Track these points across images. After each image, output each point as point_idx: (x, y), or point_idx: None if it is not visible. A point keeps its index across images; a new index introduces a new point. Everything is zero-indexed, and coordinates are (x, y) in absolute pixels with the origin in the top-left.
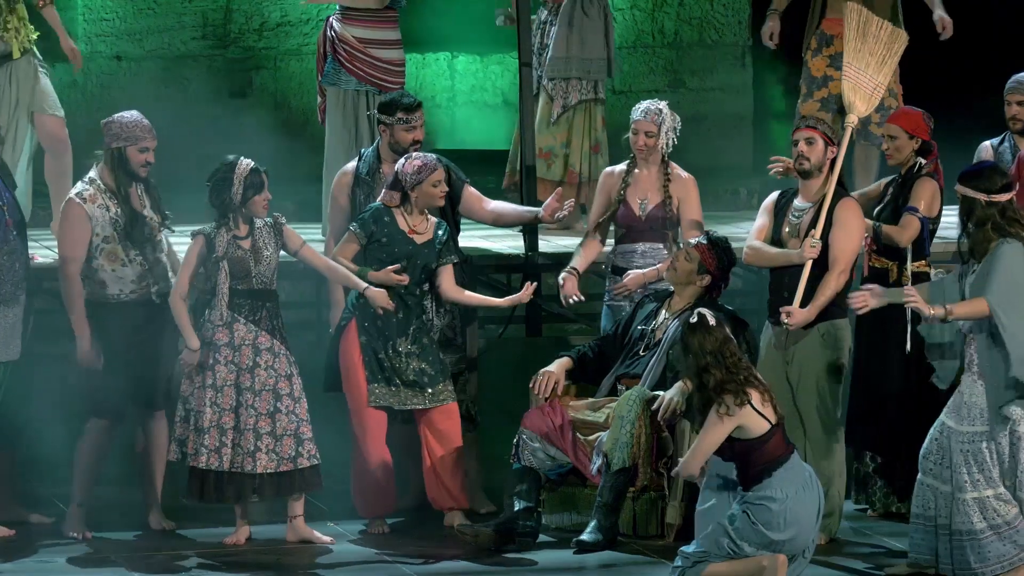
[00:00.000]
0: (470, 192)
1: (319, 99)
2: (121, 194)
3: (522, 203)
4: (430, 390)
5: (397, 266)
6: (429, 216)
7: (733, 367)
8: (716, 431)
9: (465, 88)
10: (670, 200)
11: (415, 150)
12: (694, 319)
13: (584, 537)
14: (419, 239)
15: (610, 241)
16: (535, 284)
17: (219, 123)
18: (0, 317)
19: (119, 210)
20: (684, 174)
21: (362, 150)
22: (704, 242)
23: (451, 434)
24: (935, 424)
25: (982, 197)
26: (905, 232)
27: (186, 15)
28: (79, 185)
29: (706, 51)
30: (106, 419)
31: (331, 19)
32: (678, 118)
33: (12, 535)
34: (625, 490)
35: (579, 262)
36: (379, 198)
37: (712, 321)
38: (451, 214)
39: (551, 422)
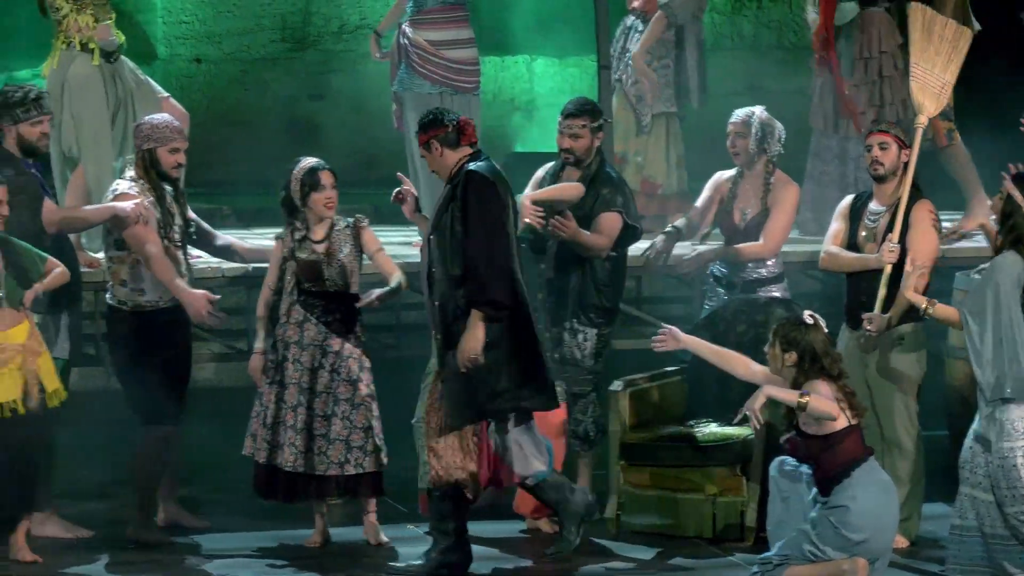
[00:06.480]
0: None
1: (394, 106)
2: (157, 195)
3: None
4: None
5: None
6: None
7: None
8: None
9: (544, 91)
10: (768, 211)
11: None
12: (809, 320)
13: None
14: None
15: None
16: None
17: (298, 125)
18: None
19: (159, 211)
20: (788, 183)
21: None
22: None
23: None
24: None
25: None
26: None
27: (265, 17)
28: (124, 183)
29: (785, 54)
30: (164, 427)
31: (403, 26)
32: (780, 125)
33: (91, 536)
34: (452, 510)
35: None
36: None
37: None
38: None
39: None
